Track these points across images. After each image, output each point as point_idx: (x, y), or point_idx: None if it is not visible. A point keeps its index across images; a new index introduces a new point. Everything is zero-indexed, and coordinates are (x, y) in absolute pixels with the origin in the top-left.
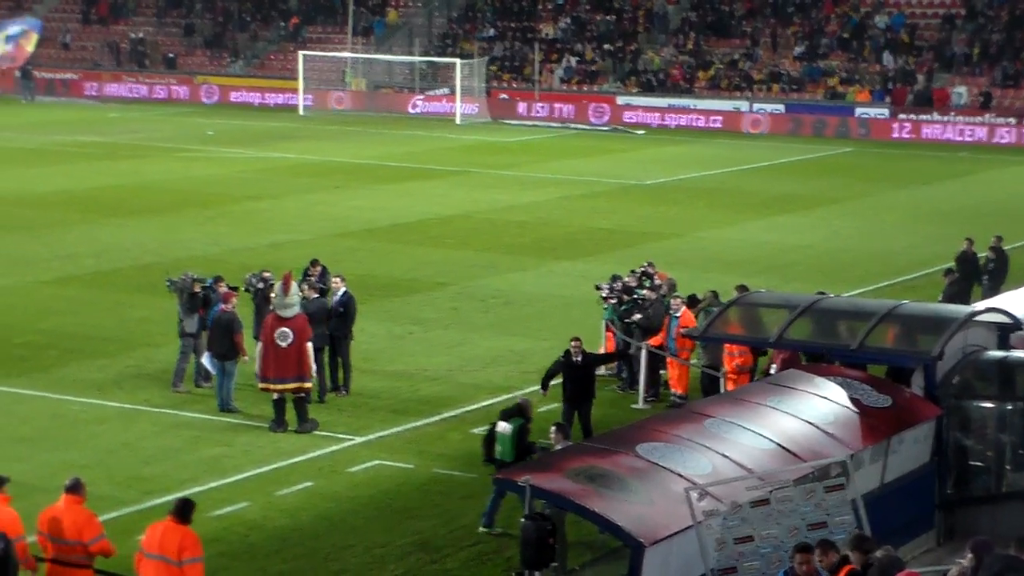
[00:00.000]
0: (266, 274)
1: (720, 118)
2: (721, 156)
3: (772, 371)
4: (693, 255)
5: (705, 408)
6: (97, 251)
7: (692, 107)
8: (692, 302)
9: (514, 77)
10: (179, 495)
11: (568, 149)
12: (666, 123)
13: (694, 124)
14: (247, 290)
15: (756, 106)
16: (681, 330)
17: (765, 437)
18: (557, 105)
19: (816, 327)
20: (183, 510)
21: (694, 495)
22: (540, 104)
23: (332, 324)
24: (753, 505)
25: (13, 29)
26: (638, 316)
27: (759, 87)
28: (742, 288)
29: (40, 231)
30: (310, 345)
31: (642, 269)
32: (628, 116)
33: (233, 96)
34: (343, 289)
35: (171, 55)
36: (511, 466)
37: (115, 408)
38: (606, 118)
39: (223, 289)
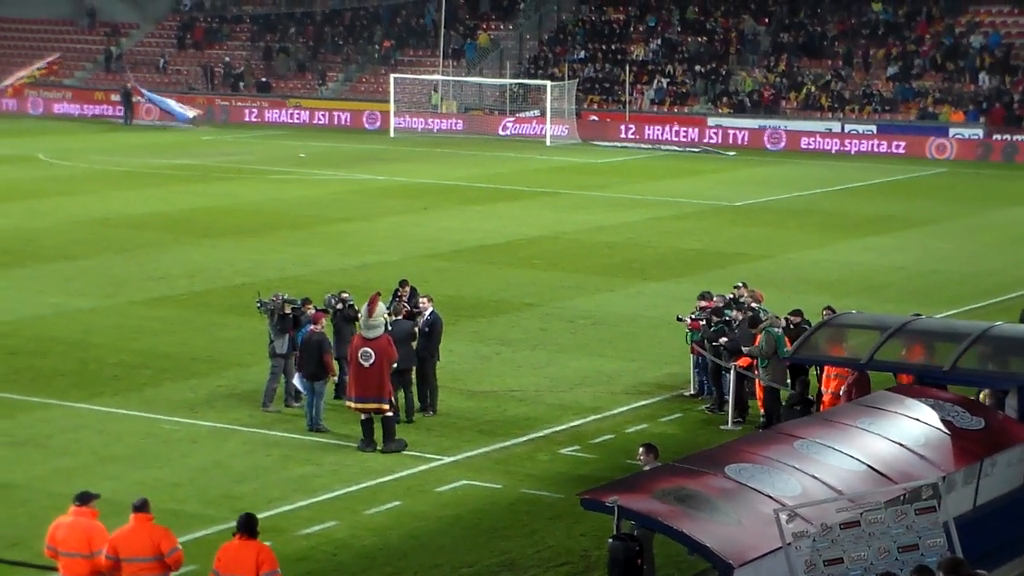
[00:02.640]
0: (344, 295)
1: (811, 139)
2: (812, 177)
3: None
4: (784, 276)
5: (795, 429)
6: (190, 272)
7: (783, 128)
8: (753, 322)
9: (604, 99)
10: (249, 512)
11: (658, 170)
12: (757, 144)
13: (785, 145)
14: (326, 310)
15: (848, 127)
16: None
17: (855, 459)
18: (647, 126)
19: (908, 348)
20: (251, 525)
21: (783, 516)
22: (630, 125)
23: (419, 344)
24: (843, 527)
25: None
26: (724, 340)
27: (851, 108)
28: (829, 310)
29: (134, 252)
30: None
31: (731, 297)
32: (718, 137)
33: (325, 119)
34: (430, 309)
35: (264, 79)
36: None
37: (207, 427)
38: (696, 139)
39: (310, 311)
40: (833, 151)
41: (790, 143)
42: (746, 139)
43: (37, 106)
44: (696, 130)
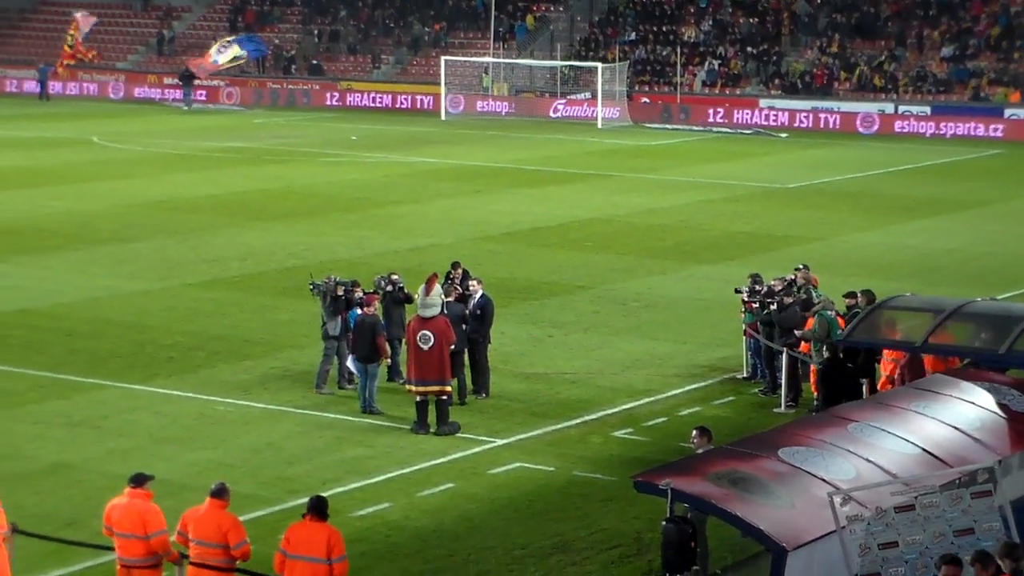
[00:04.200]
0: (394, 276)
1: (864, 120)
2: (865, 159)
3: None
4: (836, 259)
5: (849, 412)
6: (243, 254)
7: (836, 109)
8: (806, 305)
9: (656, 81)
10: (320, 494)
11: (709, 152)
12: (809, 126)
13: (837, 127)
14: (375, 292)
15: (901, 108)
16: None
17: (910, 442)
18: (699, 108)
19: (963, 331)
20: (322, 507)
21: (837, 500)
22: (682, 107)
23: (470, 327)
24: (898, 510)
25: (235, 48)
26: (769, 311)
27: (904, 89)
28: (867, 293)
29: (188, 235)
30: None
31: (791, 278)
32: (771, 119)
33: (377, 101)
34: (480, 292)
35: (316, 61)
36: None
37: (260, 409)
38: (748, 121)
39: (358, 294)
40: (886, 133)
41: (843, 125)
42: (798, 121)
43: (78, 89)
44: (748, 112)
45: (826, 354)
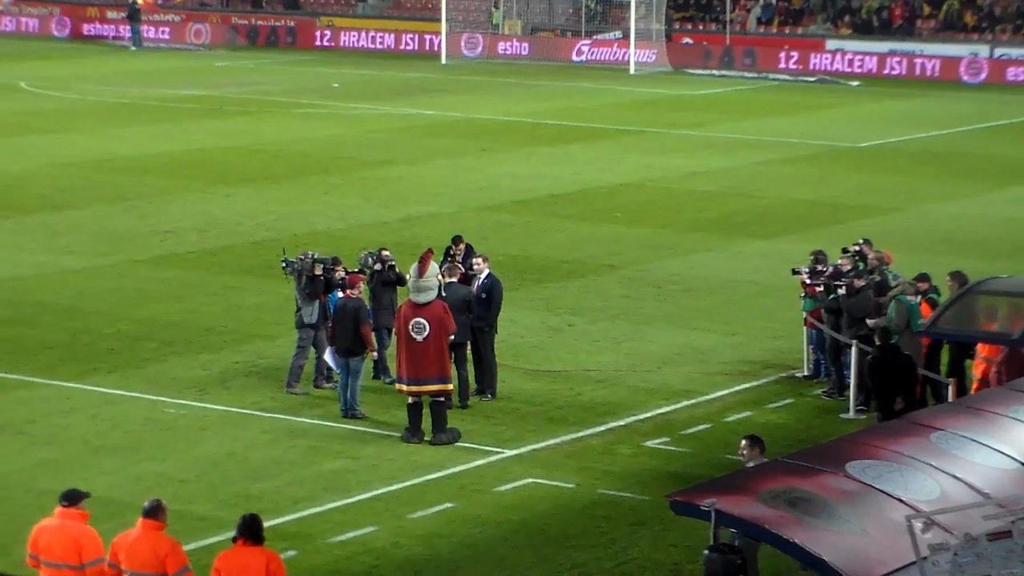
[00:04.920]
0: (384, 253)
1: (952, 66)
2: (953, 112)
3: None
4: (918, 234)
5: (933, 419)
6: (202, 225)
7: (918, 53)
8: (880, 289)
9: (700, 18)
10: (252, 513)
11: (765, 105)
12: (885, 72)
13: (920, 73)
14: (362, 271)
15: (998, 51)
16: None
17: (1006, 455)
18: (752, 51)
19: None
20: (255, 528)
21: (918, 525)
22: (731, 50)
23: (474, 314)
24: (991, 538)
25: None
26: (836, 296)
27: (1002, 28)
28: (957, 276)
29: (135, 202)
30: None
31: (856, 247)
32: (839, 64)
33: (362, 41)
34: (486, 271)
35: None
36: None
37: (220, 412)
38: (811, 67)
39: (340, 273)
40: (979, 81)
41: (927, 71)
42: (872, 66)
43: (15, 25)
44: (811, 56)
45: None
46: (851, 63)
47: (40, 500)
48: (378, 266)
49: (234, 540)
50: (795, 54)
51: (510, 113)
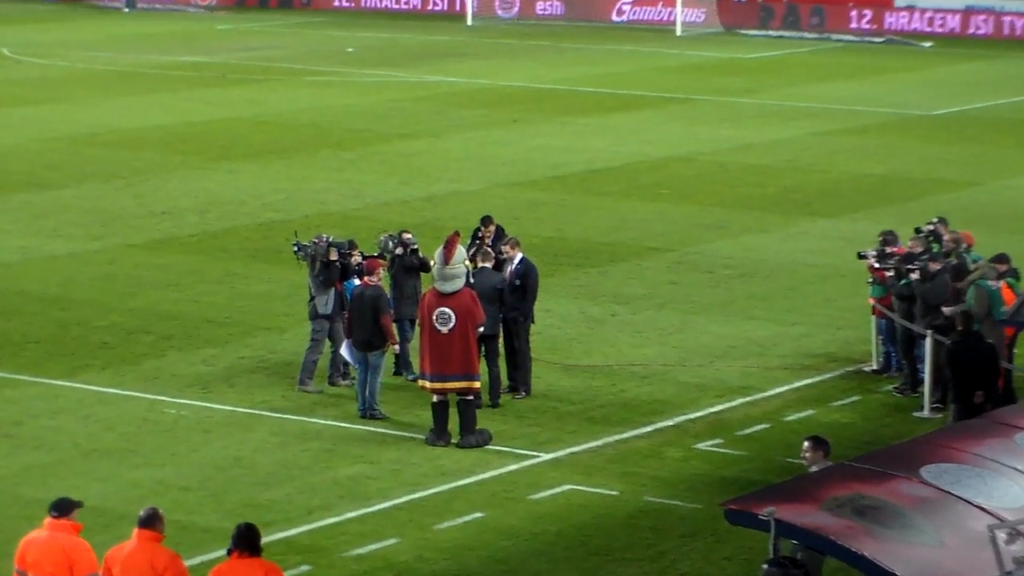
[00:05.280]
0: (406, 236)
1: None
2: None
3: None
4: (999, 212)
5: (1016, 417)
6: (202, 205)
7: (999, 9)
8: (958, 273)
9: None
10: (248, 522)
11: (827, 68)
12: (962, 31)
13: (1001, 33)
14: (382, 256)
15: None
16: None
17: None
18: (813, 8)
19: None
20: (252, 538)
21: (1001, 535)
22: (790, 8)
23: (507, 303)
24: None
25: None
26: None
27: None
28: (1001, 259)
29: (130, 179)
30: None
31: (930, 227)
32: (917, 23)
33: (386, 1)
34: (519, 256)
35: None
36: None
37: (224, 412)
38: (879, 26)
39: (357, 259)
40: None
41: (1007, 30)
42: (955, 25)
43: None
44: (880, 13)
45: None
46: (931, 21)
47: (27, 510)
48: (399, 250)
49: (228, 552)
50: (860, 12)
51: (543, 80)
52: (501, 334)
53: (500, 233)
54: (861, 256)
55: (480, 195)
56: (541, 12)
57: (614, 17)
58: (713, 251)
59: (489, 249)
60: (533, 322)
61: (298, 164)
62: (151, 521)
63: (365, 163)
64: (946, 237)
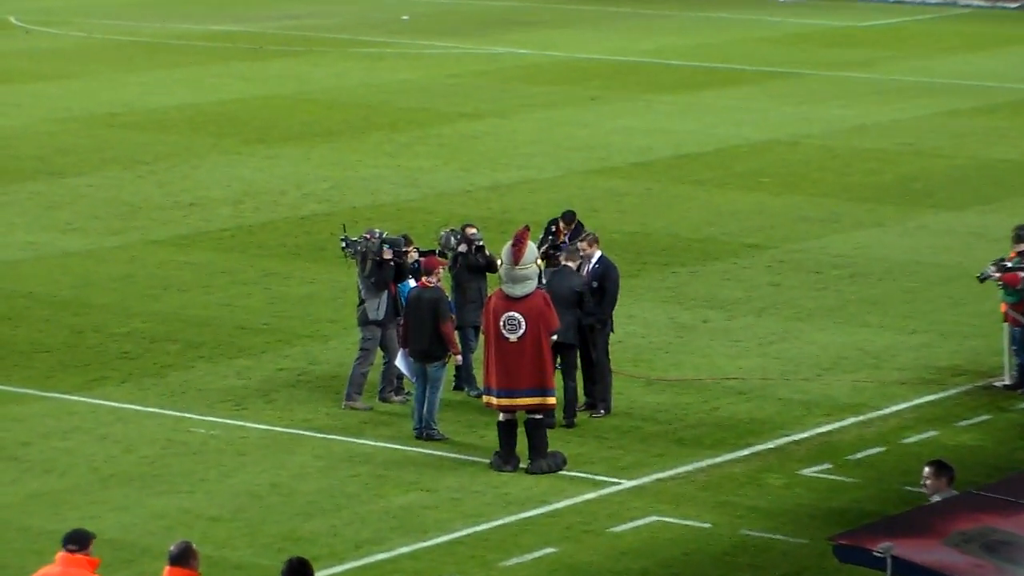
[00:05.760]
0: (471, 231)
1: None
2: None
3: None
4: None
5: None
6: (236, 196)
7: None
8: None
9: None
10: (300, 557)
11: (953, 37)
12: None
13: None
14: (442, 254)
15: None
16: None
17: None
18: None
19: None
20: (184, 557)
21: None
22: None
23: (584, 308)
24: None
25: None
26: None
27: None
28: None
29: (153, 166)
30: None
31: None
32: None
33: None
34: (598, 254)
35: None
36: None
37: (260, 432)
38: None
39: (414, 256)
40: None
41: None
42: None
43: None
44: None
45: None
46: None
47: (36, 543)
48: (463, 247)
49: (166, 567)
50: None
51: (625, 51)
52: (577, 344)
53: (579, 228)
54: (982, 279)
55: (553, 184)
56: None
57: None
58: (820, 248)
59: (577, 247)
60: (613, 330)
61: (346, 148)
62: (184, 557)
63: (422, 147)
64: None
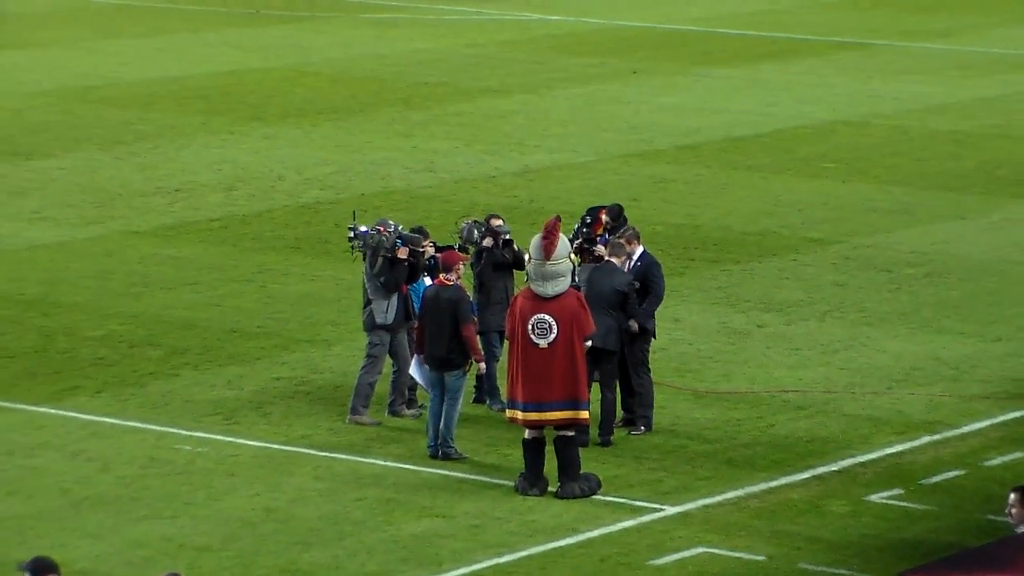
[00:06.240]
0: (496, 222)
1: None
2: None
3: None
4: None
5: None
6: (228, 181)
7: None
8: None
9: None
10: None
11: None
12: None
13: None
14: (463, 249)
15: None
16: None
17: None
18: None
19: None
20: (41, 572)
21: None
22: None
23: (631, 311)
24: None
25: None
26: None
27: None
28: None
29: (134, 147)
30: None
31: None
32: None
33: None
34: (639, 251)
35: None
36: None
37: (254, 449)
38: None
39: (430, 251)
40: None
41: None
42: None
43: None
44: None
45: None
46: None
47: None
48: (487, 241)
49: None
50: None
51: (672, 18)
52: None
53: (619, 225)
54: None
55: (589, 169)
56: None
57: None
58: (892, 244)
59: (622, 242)
60: (655, 336)
61: (353, 128)
62: None
63: (440, 127)
64: None
